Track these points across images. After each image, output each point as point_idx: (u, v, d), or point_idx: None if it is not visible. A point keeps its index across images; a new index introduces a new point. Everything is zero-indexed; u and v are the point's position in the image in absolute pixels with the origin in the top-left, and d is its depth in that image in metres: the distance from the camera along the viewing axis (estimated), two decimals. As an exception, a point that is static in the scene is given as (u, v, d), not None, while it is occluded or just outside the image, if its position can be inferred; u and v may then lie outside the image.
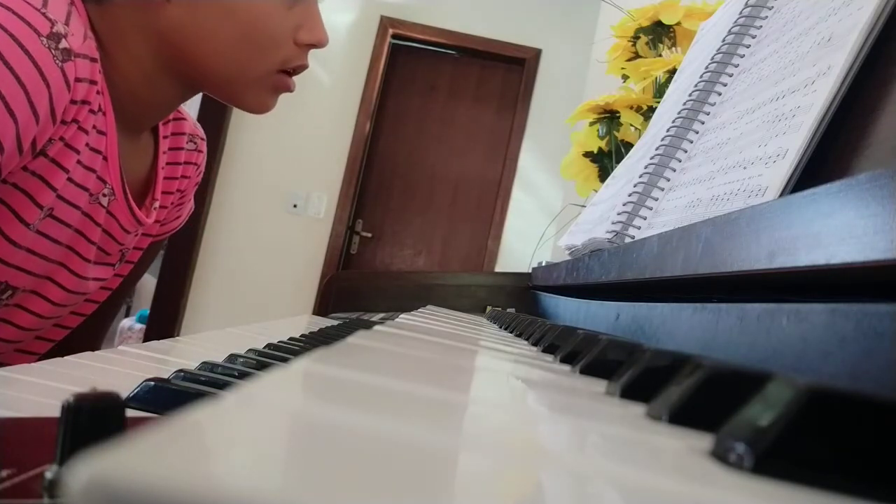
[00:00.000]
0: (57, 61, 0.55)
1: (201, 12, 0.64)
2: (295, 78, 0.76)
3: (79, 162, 0.63)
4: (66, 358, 0.44)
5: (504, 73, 3.97)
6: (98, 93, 0.63)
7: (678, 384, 0.23)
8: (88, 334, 0.89)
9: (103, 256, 0.74)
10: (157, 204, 0.79)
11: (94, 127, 0.64)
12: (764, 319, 0.36)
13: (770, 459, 0.16)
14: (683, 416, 0.22)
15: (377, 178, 3.99)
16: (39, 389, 0.35)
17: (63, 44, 0.56)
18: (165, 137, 0.80)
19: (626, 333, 0.59)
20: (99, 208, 0.69)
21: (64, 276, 0.70)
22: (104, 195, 0.69)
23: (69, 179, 0.63)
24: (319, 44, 0.69)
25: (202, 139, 0.87)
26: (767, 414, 0.17)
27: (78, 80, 0.58)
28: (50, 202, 0.63)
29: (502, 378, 0.32)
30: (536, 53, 3.89)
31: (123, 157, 0.71)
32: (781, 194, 0.46)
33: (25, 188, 0.60)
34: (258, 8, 0.65)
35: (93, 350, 0.48)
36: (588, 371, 0.35)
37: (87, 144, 0.63)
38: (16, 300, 0.68)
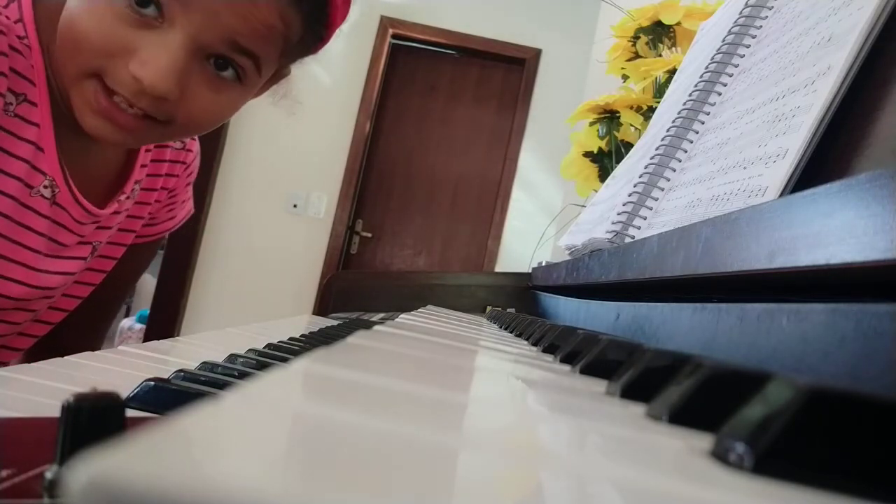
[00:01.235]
0: None
1: (67, 5, 0.63)
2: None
3: None
4: (66, 358, 0.44)
5: (504, 73, 3.97)
6: (31, 83, 0.65)
7: (678, 384, 0.23)
8: (87, 334, 0.89)
9: (59, 248, 0.74)
10: (123, 196, 0.79)
11: (17, 115, 0.65)
12: (764, 319, 0.36)
13: (770, 459, 0.16)
14: (683, 416, 0.22)
15: (377, 178, 3.99)
16: (39, 389, 0.35)
17: None
18: None
19: (626, 333, 0.59)
20: (41, 200, 0.70)
21: (15, 270, 0.70)
22: (45, 187, 0.69)
23: None
24: (143, 80, 0.60)
25: (192, 139, 0.88)
26: (767, 414, 0.17)
27: None
28: None
29: (502, 378, 0.32)
30: (536, 53, 3.89)
31: (74, 150, 0.71)
32: (781, 194, 0.46)
33: None
34: (90, 6, 0.61)
35: (91, 350, 0.49)
36: (588, 371, 0.35)
37: (1, 127, 0.64)
38: None
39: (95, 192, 0.76)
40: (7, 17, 0.64)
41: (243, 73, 0.65)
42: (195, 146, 0.89)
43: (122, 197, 0.79)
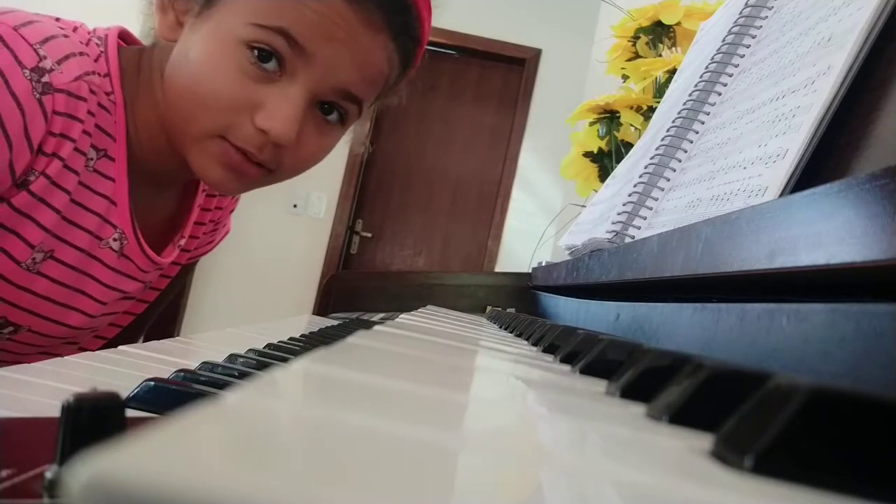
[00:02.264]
0: (35, 93, 0.59)
1: (175, 61, 0.64)
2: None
3: (73, 201, 0.65)
4: (65, 358, 0.44)
5: (504, 73, 3.97)
6: (112, 139, 0.66)
7: (678, 384, 0.23)
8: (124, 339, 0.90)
9: (119, 297, 0.75)
10: (182, 242, 0.80)
11: (96, 170, 0.66)
12: (764, 319, 0.36)
13: (770, 459, 0.16)
14: (683, 416, 0.22)
15: (377, 178, 3.99)
16: (39, 389, 0.35)
17: (45, 78, 0.59)
18: None
19: (626, 333, 0.59)
20: (109, 252, 0.70)
21: (72, 316, 0.71)
22: (115, 239, 0.70)
23: (64, 219, 0.65)
24: (271, 132, 0.62)
25: None
26: (767, 414, 0.17)
27: (56, 112, 0.60)
28: (40, 240, 0.64)
29: (502, 378, 0.32)
30: (536, 53, 3.89)
31: (145, 204, 0.72)
32: (781, 194, 0.46)
33: (10, 226, 0.62)
34: (214, 64, 0.62)
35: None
36: (588, 371, 0.35)
37: (80, 183, 0.65)
38: (20, 337, 0.69)
39: (155, 237, 0.77)
40: (98, 74, 0.64)
41: (346, 115, 0.68)
42: None
43: (182, 241, 0.80)
